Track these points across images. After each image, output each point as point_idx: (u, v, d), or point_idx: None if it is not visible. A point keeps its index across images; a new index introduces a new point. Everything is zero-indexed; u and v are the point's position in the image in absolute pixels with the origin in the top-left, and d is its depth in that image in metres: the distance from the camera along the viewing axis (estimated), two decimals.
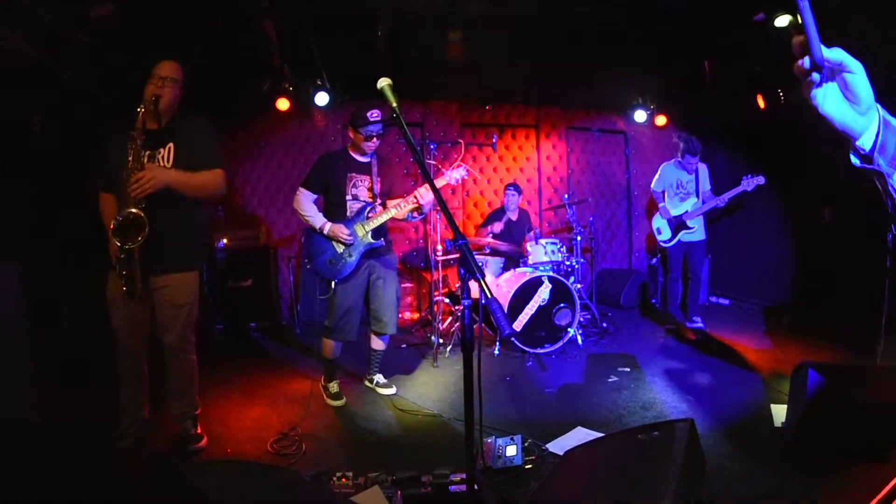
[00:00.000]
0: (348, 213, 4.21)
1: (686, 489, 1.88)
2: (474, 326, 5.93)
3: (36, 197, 4.43)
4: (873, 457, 2.89)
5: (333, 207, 4.25)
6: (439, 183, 4.18)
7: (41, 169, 4.42)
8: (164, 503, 1.91)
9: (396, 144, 7.45)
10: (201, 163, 3.27)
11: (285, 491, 2.06)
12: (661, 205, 6.39)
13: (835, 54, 1.09)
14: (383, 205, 4.26)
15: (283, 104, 6.72)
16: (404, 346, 6.05)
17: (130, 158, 2.97)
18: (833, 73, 1.13)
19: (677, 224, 6.22)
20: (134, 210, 2.92)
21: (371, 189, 4.27)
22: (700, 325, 6.33)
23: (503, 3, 5.10)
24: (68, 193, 4.31)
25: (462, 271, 1.86)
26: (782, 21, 4.75)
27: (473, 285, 1.88)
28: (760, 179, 5.69)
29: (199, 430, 3.55)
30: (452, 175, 4.30)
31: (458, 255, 5.68)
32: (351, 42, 5.79)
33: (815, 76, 1.11)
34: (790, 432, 3.27)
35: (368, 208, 4.21)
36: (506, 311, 5.32)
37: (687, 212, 6.14)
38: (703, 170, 6.24)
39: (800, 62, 1.10)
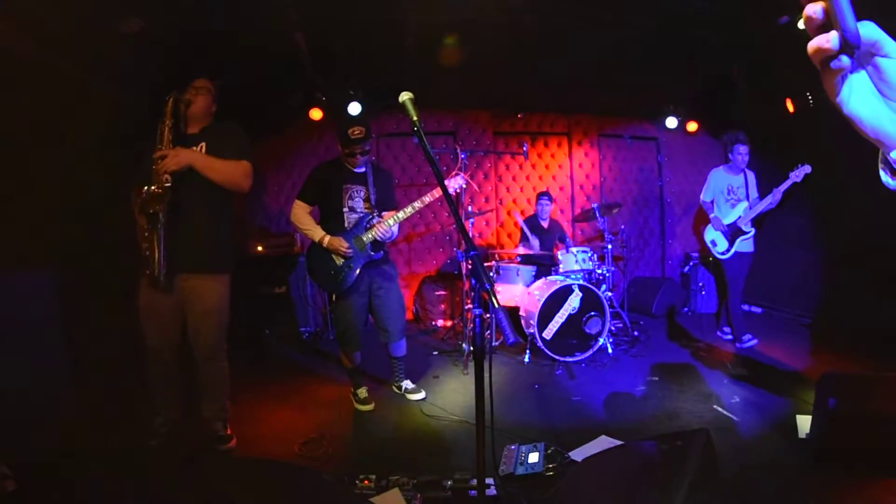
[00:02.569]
0: (346, 225, 4.17)
1: (697, 499, 1.90)
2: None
3: (71, 202, 4.62)
4: None
5: (330, 219, 4.20)
6: (436, 193, 4.16)
7: (76, 174, 4.61)
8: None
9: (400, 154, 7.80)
10: (229, 154, 3.44)
11: (304, 489, 2.14)
12: (712, 215, 6.06)
13: (867, 30, 0.77)
14: (380, 216, 4.23)
15: (316, 114, 6.89)
16: (435, 352, 6.10)
17: (159, 144, 3.19)
18: (862, 58, 0.82)
19: (733, 231, 5.88)
20: (154, 187, 3.12)
21: (368, 199, 4.24)
22: (752, 341, 5.92)
23: (532, 11, 5.14)
24: (103, 198, 4.49)
25: (473, 281, 1.91)
26: None
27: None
28: (807, 168, 5.48)
29: (228, 431, 3.66)
30: (450, 185, 4.30)
31: (490, 264, 5.79)
32: (382, 52, 5.89)
33: (845, 60, 0.77)
34: (814, 444, 3.22)
35: (367, 219, 4.17)
36: (537, 319, 5.35)
37: (741, 217, 5.85)
38: (752, 177, 5.99)
39: (819, 41, 0.77)
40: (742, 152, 5.87)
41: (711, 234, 6.06)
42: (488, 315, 6.25)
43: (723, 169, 6.11)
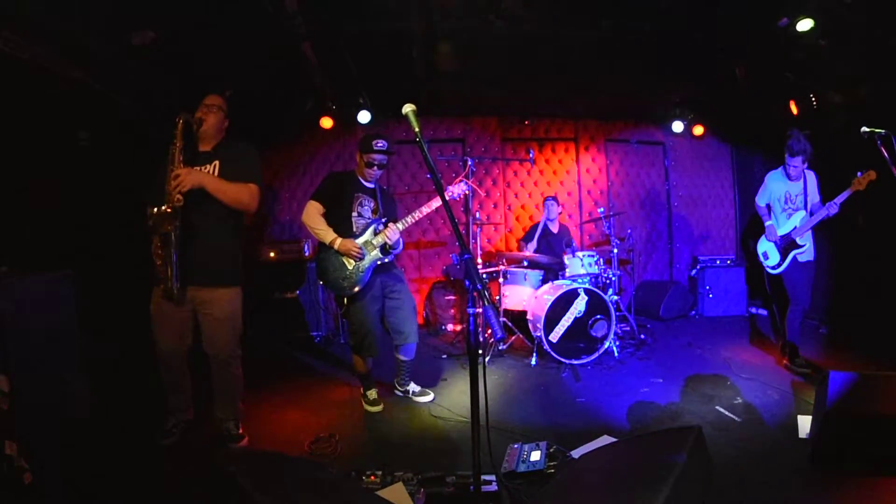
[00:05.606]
0: (354, 230, 4.25)
1: (683, 494, 1.97)
2: (513, 337, 6.07)
3: (89, 205, 4.77)
4: None
5: (338, 223, 4.24)
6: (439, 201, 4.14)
7: (94, 180, 4.77)
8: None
9: (410, 161, 7.97)
10: (239, 176, 3.55)
11: (312, 480, 2.24)
12: (767, 224, 5.33)
13: None
14: (385, 225, 4.31)
15: (326, 122, 7.08)
16: (444, 356, 6.20)
17: (171, 165, 3.30)
18: None
19: (786, 244, 5.15)
20: (166, 207, 3.24)
21: (376, 210, 4.37)
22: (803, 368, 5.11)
23: (534, 20, 5.24)
24: (119, 203, 4.65)
25: (468, 283, 2.01)
26: (804, 25, 4.78)
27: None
28: (871, 175, 4.65)
29: (241, 431, 3.78)
30: (454, 191, 4.44)
31: (498, 269, 5.89)
32: (389, 61, 6.01)
33: None
34: (812, 443, 3.26)
35: (375, 224, 4.27)
36: (543, 322, 5.44)
37: (795, 228, 5.10)
38: (812, 179, 5.16)
39: None
40: (794, 167, 5.06)
41: (764, 245, 5.41)
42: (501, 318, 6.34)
43: (781, 172, 5.30)
